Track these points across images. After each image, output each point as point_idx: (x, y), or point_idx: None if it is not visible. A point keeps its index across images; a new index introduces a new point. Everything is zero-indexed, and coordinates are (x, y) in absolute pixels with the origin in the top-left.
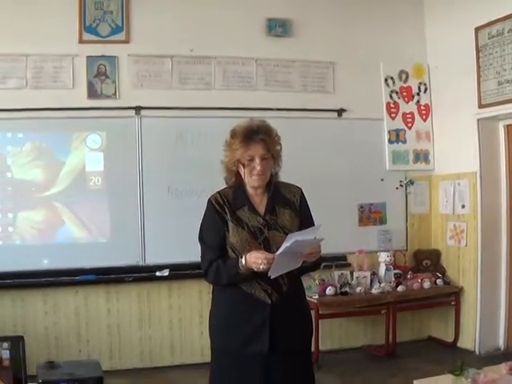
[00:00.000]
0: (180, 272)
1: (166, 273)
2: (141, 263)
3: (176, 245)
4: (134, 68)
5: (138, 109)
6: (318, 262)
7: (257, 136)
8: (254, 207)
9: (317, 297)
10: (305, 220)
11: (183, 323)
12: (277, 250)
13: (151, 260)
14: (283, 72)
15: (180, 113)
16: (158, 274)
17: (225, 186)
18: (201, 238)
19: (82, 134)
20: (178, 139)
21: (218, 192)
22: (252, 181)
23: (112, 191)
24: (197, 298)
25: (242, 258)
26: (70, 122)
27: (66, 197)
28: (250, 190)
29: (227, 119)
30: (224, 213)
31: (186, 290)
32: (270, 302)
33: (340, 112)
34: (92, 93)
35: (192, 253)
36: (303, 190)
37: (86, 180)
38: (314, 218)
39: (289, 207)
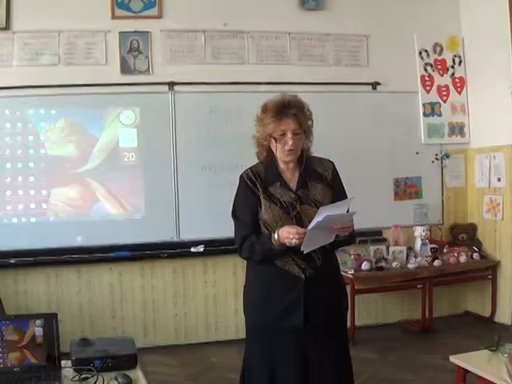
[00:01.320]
0: (214, 248)
1: (200, 249)
2: (175, 239)
3: (210, 220)
4: (166, 43)
5: (171, 84)
6: (352, 236)
7: (288, 111)
8: (285, 182)
9: (352, 272)
10: (337, 194)
11: (218, 299)
12: (309, 224)
13: (186, 236)
14: (317, 46)
15: (213, 88)
16: (192, 249)
17: (257, 161)
18: (234, 215)
19: (115, 109)
20: (211, 114)
21: (250, 168)
22: (284, 156)
23: (146, 167)
24: (231, 273)
25: (274, 233)
26: (103, 98)
27: (99, 173)
28: (281, 165)
29: (260, 94)
30: (256, 189)
31: (221, 266)
32: (304, 276)
33: (374, 85)
34: (125, 68)
35: (226, 228)
36: (335, 164)
37: (120, 156)
38: (346, 192)
39: (321, 181)
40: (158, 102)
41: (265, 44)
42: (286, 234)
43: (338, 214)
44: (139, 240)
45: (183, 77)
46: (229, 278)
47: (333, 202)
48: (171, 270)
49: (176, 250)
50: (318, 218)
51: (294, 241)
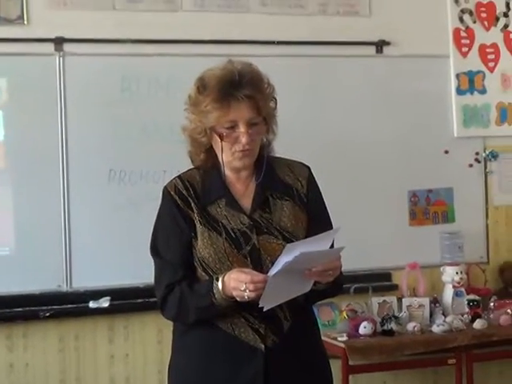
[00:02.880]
0: (127, 302)
1: (104, 303)
2: (64, 288)
3: (120, 259)
4: None
5: (58, 41)
6: (339, 284)
7: (240, 90)
8: (235, 200)
9: (344, 339)
10: (315, 217)
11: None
12: (271, 266)
13: (81, 283)
14: None
15: (126, 49)
16: (92, 305)
17: (191, 165)
18: (154, 250)
19: None
20: (123, 91)
21: (179, 177)
22: (234, 159)
23: (16, 174)
24: (154, 341)
25: (217, 280)
26: None
27: None
28: (229, 173)
29: (202, 59)
30: (189, 209)
31: (137, 331)
32: (263, 347)
33: (380, 45)
34: None
35: (145, 271)
36: (312, 171)
37: None
38: (331, 216)
39: (290, 198)
40: (38, 71)
41: None
42: (235, 284)
43: (316, 250)
44: (4, 289)
45: (78, 30)
46: (150, 348)
47: (309, 228)
48: (56, 338)
49: (65, 306)
50: (286, 258)
51: (247, 293)
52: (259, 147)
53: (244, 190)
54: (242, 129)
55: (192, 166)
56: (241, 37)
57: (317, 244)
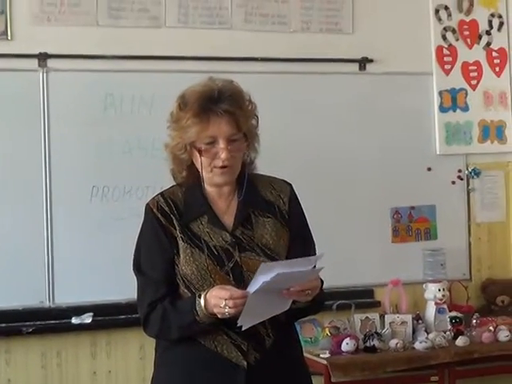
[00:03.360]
0: (109, 318)
1: (87, 319)
2: (47, 304)
3: (103, 276)
4: None
5: (42, 57)
6: (319, 302)
7: (220, 105)
8: (216, 217)
9: (327, 355)
10: (297, 234)
11: None
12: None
13: (64, 299)
14: (274, 0)
15: (109, 65)
16: (74, 320)
17: (173, 182)
18: (137, 267)
19: None
20: (106, 106)
21: (162, 194)
22: (214, 176)
23: None
24: (136, 358)
25: (200, 297)
26: None
27: None
28: (210, 190)
29: (186, 75)
30: (171, 226)
31: (120, 346)
32: (245, 364)
33: (363, 63)
34: None
35: (128, 287)
36: (294, 188)
37: None
38: (312, 233)
39: (271, 215)
40: (21, 86)
41: None
42: (215, 301)
43: (294, 270)
44: None
45: (61, 46)
46: (132, 365)
47: (290, 246)
48: (39, 354)
49: (48, 322)
50: (263, 277)
51: (227, 310)
52: (241, 164)
53: (226, 207)
54: (221, 144)
55: (173, 184)
56: (224, 53)
57: (295, 266)
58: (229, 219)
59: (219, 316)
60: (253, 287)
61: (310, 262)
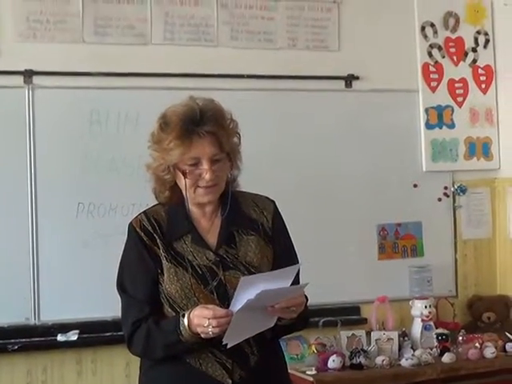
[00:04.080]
0: (95, 335)
1: (73, 336)
2: (32, 321)
3: (89, 293)
4: (21, 7)
5: (28, 74)
6: (304, 318)
7: (202, 127)
8: (200, 236)
9: (313, 372)
10: (281, 252)
11: None
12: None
13: (49, 316)
14: (260, 17)
15: (95, 82)
16: (60, 338)
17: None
18: (120, 286)
19: None
20: (92, 123)
21: (145, 212)
22: (198, 195)
23: None
24: (122, 375)
25: (183, 317)
26: None
27: None
28: (194, 209)
29: (172, 92)
30: (155, 246)
31: (106, 364)
32: (230, 382)
33: (349, 80)
34: None
35: (114, 305)
36: (277, 205)
37: None
38: (296, 250)
39: (255, 232)
40: (7, 103)
41: (178, 12)
42: (198, 320)
43: (279, 287)
44: None
45: (47, 63)
46: (118, 382)
47: (274, 263)
48: (24, 371)
49: (33, 339)
50: (246, 294)
51: (210, 329)
52: (224, 184)
53: (209, 226)
54: (205, 165)
55: (156, 203)
56: (210, 70)
57: (275, 279)
58: (212, 238)
59: (203, 336)
60: (236, 304)
61: (288, 272)
